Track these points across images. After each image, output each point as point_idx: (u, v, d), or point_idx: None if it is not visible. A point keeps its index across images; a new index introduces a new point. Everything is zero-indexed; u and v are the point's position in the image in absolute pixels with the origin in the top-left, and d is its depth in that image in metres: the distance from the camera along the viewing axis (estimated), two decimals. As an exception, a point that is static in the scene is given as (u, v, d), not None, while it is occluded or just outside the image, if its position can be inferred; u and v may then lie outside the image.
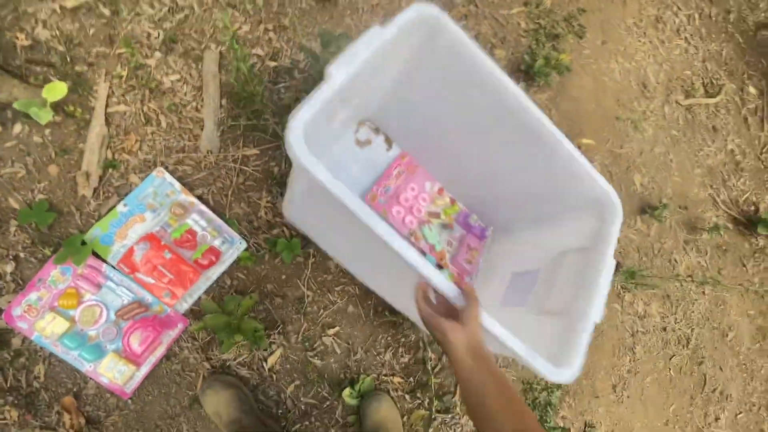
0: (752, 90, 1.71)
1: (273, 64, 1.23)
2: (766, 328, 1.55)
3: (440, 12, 0.76)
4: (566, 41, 1.50)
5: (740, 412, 1.48)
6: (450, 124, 1.01)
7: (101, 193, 1.08)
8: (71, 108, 1.08)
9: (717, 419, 1.44)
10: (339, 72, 0.65)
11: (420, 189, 1.21)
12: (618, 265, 1.40)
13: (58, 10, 1.14)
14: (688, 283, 1.45)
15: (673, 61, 1.64)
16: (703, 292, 1.50)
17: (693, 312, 1.48)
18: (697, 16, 1.71)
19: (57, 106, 1.06)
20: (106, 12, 1.17)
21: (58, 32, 1.14)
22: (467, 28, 1.45)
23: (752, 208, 1.62)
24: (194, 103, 1.18)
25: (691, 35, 1.69)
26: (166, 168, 1.12)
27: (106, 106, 1.13)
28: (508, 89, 0.81)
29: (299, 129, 0.60)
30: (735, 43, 1.74)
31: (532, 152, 0.90)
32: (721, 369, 1.48)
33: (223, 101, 1.20)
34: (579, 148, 1.42)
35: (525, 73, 1.40)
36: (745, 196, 1.62)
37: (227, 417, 0.97)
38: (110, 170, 1.10)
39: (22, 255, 1.00)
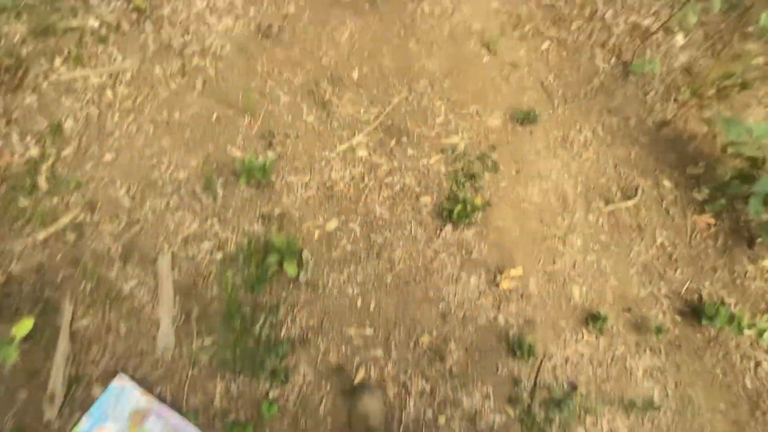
0: (667, 183, 1.95)
1: (220, 255, 1.44)
2: (742, 421, 1.60)
3: None
4: (483, 178, 1.76)
5: None
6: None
7: (66, 411, 1.22)
8: (39, 335, 1.26)
9: None
10: None
11: None
12: (573, 387, 1.50)
13: (30, 244, 1.38)
14: (647, 390, 1.54)
15: (587, 173, 1.90)
16: (667, 395, 1.57)
17: (660, 419, 1.54)
18: (600, 128, 2.01)
19: (27, 336, 1.24)
20: (72, 237, 1.41)
21: (30, 263, 1.36)
22: (393, 184, 1.71)
23: (696, 296, 1.75)
24: (151, 304, 1.37)
25: (599, 146, 1.97)
26: (126, 373, 1.27)
27: (72, 322, 1.32)
28: None
29: None
30: (641, 145, 2.01)
31: None
32: (705, 476, 1.51)
33: (177, 297, 1.39)
34: (512, 279, 1.61)
35: (449, 217, 1.62)
36: (686, 286, 1.76)
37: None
38: (74, 386, 1.25)
39: (-11, 492, 1.10)
